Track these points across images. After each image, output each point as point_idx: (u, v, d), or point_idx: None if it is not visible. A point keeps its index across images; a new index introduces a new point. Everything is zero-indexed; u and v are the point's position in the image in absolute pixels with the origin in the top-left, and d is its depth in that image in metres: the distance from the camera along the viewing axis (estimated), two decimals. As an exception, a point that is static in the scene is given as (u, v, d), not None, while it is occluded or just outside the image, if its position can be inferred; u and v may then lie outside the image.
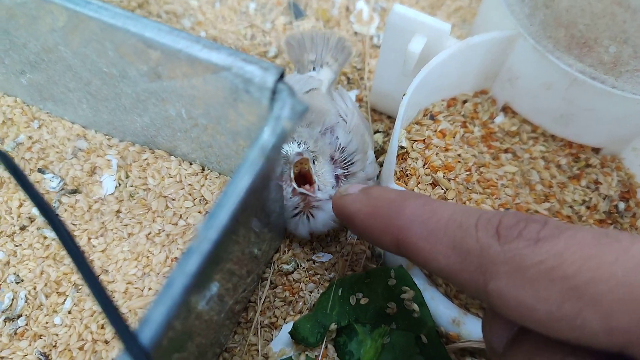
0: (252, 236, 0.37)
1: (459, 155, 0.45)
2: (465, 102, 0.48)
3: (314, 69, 0.47)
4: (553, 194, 0.44)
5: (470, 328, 0.40)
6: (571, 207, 0.44)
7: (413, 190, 0.43)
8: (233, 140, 0.36)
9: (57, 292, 0.41)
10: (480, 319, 0.41)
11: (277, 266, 0.43)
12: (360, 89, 0.54)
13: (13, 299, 0.41)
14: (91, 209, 0.43)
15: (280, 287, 0.43)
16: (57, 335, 0.40)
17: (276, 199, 0.37)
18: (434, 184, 0.43)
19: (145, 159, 0.44)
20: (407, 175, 0.43)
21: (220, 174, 0.43)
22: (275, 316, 0.42)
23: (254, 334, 0.41)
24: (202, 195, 0.42)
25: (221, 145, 0.38)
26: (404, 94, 0.41)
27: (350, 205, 0.32)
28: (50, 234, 0.43)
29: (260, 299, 0.42)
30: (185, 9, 0.58)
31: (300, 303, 0.42)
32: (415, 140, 0.45)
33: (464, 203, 0.43)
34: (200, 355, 0.36)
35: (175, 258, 0.40)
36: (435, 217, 0.27)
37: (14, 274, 0.42)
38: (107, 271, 0.41)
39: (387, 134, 0.52)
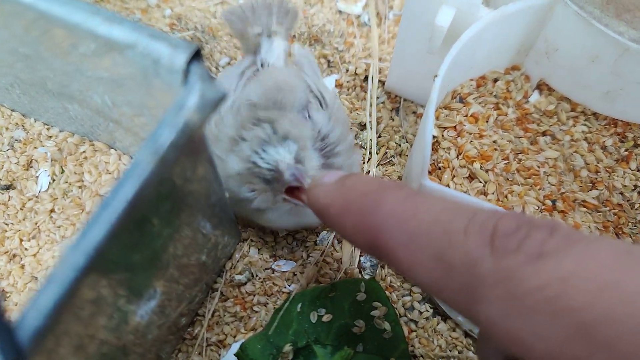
0: (197, 234, 0.32)
1: (494, 141, 0.40)
2: (496, 80, 0.42)
3: (264, 40, 0.41)
4: (601, 179, 0.40)
5: None
6: (622, 193, 0.39)
7: (448, 186, 0.38)
8: (156, 123, 0.31)
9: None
10: None
11: (229, 276, 0.38)
12: (341, 73, 0.48)
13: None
14: (25, 207, 0.38)
15: (232, 300, 0.37)
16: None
17: (215, 192, 0.31)
18: (471, 176, 0.38)
19: (83, 152, 0.39)
20: (439, 169, 0.38)
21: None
22: (224, 333, 0.36)
23: (199, 353, 0.36)
24: (141, 195, 0.37)
25: (145, 125, 0.32)
26: (435, 76, 0.35)
27: (323, 196, 0.25)
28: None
29: (209, 312, 0.37)
30: (153, -16, 0.53)
31: (254, 319, 0.37)
32: (445, 128, 0.40)
33: (506, 197, 0.38)
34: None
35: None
36: (418, 217, 0.21)
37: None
38: (36, 278, 0.36)
39: (417, 120, 0.46)
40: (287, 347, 0.35)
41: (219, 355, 0.36)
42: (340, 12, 0.52)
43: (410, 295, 0.39)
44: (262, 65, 0.38)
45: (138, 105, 0.29)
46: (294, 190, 0.31)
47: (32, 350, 0.18)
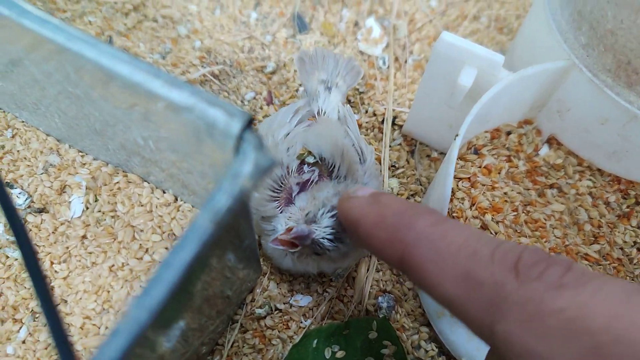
0: (225, 272, 0.34)
1: (505, 193, 0.42)
2: (509, 133, 0.45)
3: (325, 89, 0.44)
4: (603, 234, 0.42)
5: None
6: (622, 249, 0.41)
7: None
8: (202, 179, 0.33)
9: (13, 319, 0.38)
10: None
11: (250, 309, 0.40)
12: (361, 114, 0.50)
13: (-32, 321, 0.38)
14: (57, 231, 0.40)
15: (251, 332, 0.39)
16: (8, 366, 0.37)
17: (248, 234, 0.34)
18: (483, 227, 0.41)
19: (117, 183, 0.41)
20: (453, 217, 0.40)
21: (193, 206, 0.40)
22: (243, 364, 0.38)
23: (218, 382, 0.38)
24: (172, 230, 0.39)
25: (191, 181, 0.35)
26: (457, 135, 0.37)
27: (356, 209, 0.28)
28: (12, 253, 0.40)
29: (228, 343, 0.39)
30: (183, 14, 0.55)
31: (271, 352, 0.39)
32: (460, 179, 0.42)
33: None
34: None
35: (137, 297, 0.37)
36: (447, 239, 0.23)
37: (-29, 293, 0.39)
38: (65, 301, 0.38)
39: (431, 164, 0.49)
40: (303, 382, 0.37)
41: (237, 385, 0.38)
42: (361, 52, 0.54)
43: (418, 334, 0.41)
44: (318, 112, 0.42)
45: (183, 153, 0.31)
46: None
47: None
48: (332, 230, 0.34)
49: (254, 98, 0.50)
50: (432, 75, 0.42)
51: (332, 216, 0.34)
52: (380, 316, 0.41)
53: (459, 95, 0.40)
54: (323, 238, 0.34)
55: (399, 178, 0.47)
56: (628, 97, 0.38)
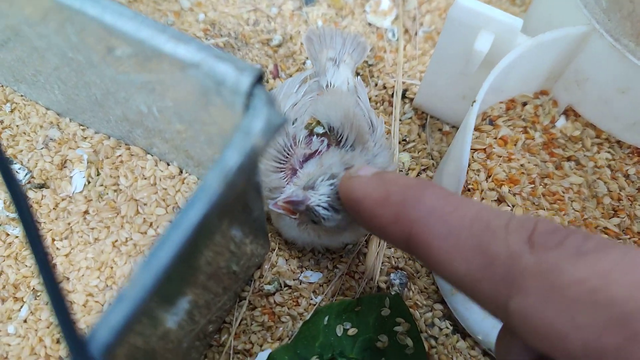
0: (231, 246, 0.33)
1: (522, 165, 0.41)
2: (525, 104, 0.43)
3: (334, 65, 0.44)
4: (622, 207, 0.41)
5: None
6: None
7: None
8: (209, 146, 0.31)
9: (14, 297, 0.37)
10: None
11: (258, 285, 0.38)
12: (370, 87, 0.49)
13: (-32, 300, 0.37)
14: (58, 207, 0.39)
15: (259, 309, 0.38)
16: (9, 345, 0.36)
17: (257, 205, 0.32)
18: (500, 200, 0.39)
19: (119, 156, 0.39)
20: (469, 190, 0.39)
21: (199, 178, 0.38)
22: (251, 342, 0.37)
23: (226, 361, 0.36)
24: (177, 203, 0.37)
25: (197, 151, 0.33)
26: (474, 101, 0.36)
27: (358, 188, 0.27)
28: (12, 231, 0.39)
29: (236, 321, 0.37)
30: (186, -13, 0.53)
31: (281, 329, 0.37)
32: (475, 150, 0.41)
33: None
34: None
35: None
36: (459, 212, 0.22)
37: (-29, 271, 0.38)
38: (68, 278, 0.37)
39: (442, 138, 0.47)
40: (314, 359, 0.36)
41: (246, 363, 0.36)
42: (370, 24, 0.53)
43: (432, 312, 0.40)
44: (327, 85, 0.41)
45: (189, 120, 0.30)
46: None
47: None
48: (327, 199, 0.33)
49: (260, 71, 0.49)
50: (446, 42, 0.40)
51: (331, 184, 0.33)
52: (393, 293, 0.40)
53: (475, 61, 0.38)
54: (318, 205, 0.33)
55: (410, 152, 0.46)
56: (653, 61, 0.37)
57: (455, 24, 0.38)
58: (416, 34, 0.51)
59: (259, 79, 0.24)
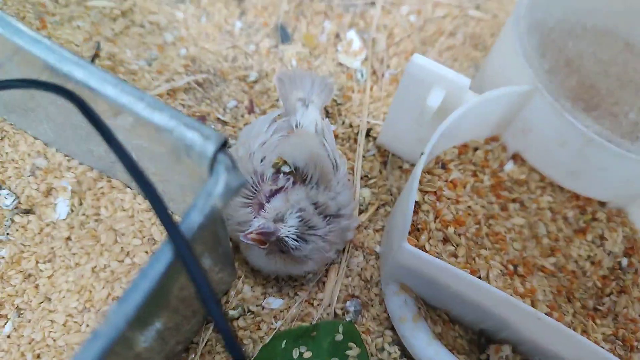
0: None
1: (469, 207, 0.44)
2: (476, 149, 0.47)
3: (303, 105, 0.47)
4: (559, 248, 0.44)
5: None
6: (576, 262, 0.44)
7: (424, 247, 0.42)
8: (181, 191, 0.35)
9: (-1, 314, 0.40)
10: None
11: (224, 310, 0.42)
12: (338, 125, 0.53)
13: (-45, 315, 0.40)
14: (42, 232, 0.42)
15: (224, 332, 0.42)
16: (-7, 359, 0.39)
17: (224, 242, 0.36)
18: (445, 239, 0.43)
19: (101, 188, 0.43)
20: (418, 230, 0.43)
21: (172, 213, 0.42)
22: (216, 362, 0.41)
23: (192, 379, 0.40)
24: (152, 234, 0.41)
25: (170, 190, 0.37)
26: (422, 153, 0.40)
27: None
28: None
29: (203, 341, 0.41)
30: (170, 21, 0.57)
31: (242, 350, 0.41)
32: (426, 192, 0.44)
33: (473, 260, 0.42)
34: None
35: (117, 297, 0.39)
36: None
37: (-41, 289, 0.41)
38: (49, 299, 0.40)
39: (402, 175, 0.51)
40: (271, 379, 0.39)
41: (210, 381, 0.40)
42: (341, 64, 0.57)
43: (382, 337, 0.44)
44: (296, 125, 0.45)
45: (162, 166, 0.33)
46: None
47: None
48: (296, 230, 0.37)
49: (236, 106, 0.52)
50: (404, 94, 0.45)
51: (299, 217, 0.38)
52: (348, 319, 0.44)
53: (427, 114, 0.42)
54: (287, 237, 0.37)
55: (371, 188, 0.50)
56: (585, 121, 0.41)
57: (411, 78, 0.43)
58: (383, 75, 0.56)
59: (223, 145, 0.28)
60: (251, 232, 0.37)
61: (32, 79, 0.31)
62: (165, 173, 0.35)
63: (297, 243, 0.38)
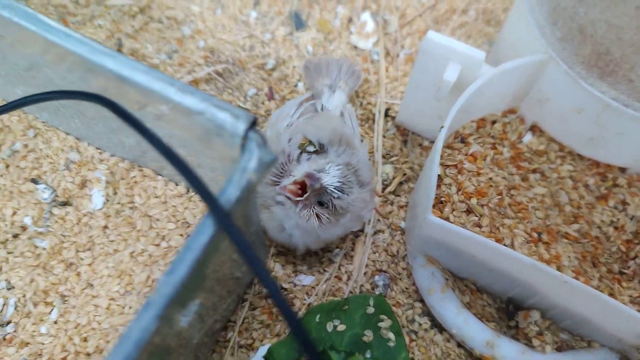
0: (233, 255, 0.38)
1: (490, 178, 0.45)
2: (494, 122, 0.48)
3: (329, 90, 0.49)
4: (582, 214, 0.45)
5: (503, 351, 0.41)
6: (599, 227, 0.45)
7: (448, 218, 0.43)
8: (211, 172, 0.37)
9: (45, 302, 0.42)
10: (513, 341, 0.41)
11: (258, 288, 0.44)
12: (356, 107, 0.54)
13: (4, 305, 0.42)
14: (80, 222, 0.44)
15: (259, 309, 0.43)
16: (42, 344, 0.41)
17: (254, 220, 0.37)
18: (468, 210, 0.44)
19: (133, 177, 0.44)
20: (441, 202, 0.44)
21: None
22: (253, 338, 0.42)
23: (231, 354, 0.42)
24: (185, 218, 0.43)
25: (202, 176, 0.38)
26: (442, 127, 0.41)
27: None
28: (41, 243, 0.44)
29: (240, 319, 0.43)
30: (187, 15, 0.58)
31: (278, 326, 0.43)
32: (447, 166, 0.45)
33: (498, 229, 0.43)
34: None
35: (156, 279, 0.41)
36: None
37: (6, 280, 0.43)
38: (92, 285, 0.42)
39: (422, 152, 0.52)
40: (307, 352, 0.41)
41: (248, 356, 0.42)
42: (355, 47, 0.58)
43: (412, 309, 0.45)
44: (321, 108, 0.46)
45: (193, 150, 0.35)
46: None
47: None
48: (339, 180, 0.39)
49: (256, 94, 0.54)
50: (419, 71, 0.45)
51: (339, 169, 0.39)
52: (377, 293, 0.45)
53: (444, 89, 0.43)
54: (331, 184, 0.38)
55: (393, 164, 0.51)
56: (601, 87, 0.41)
57: (426, 56, 0.43)
58: (397, 55, 0.56)
59: (253, 124, 0.29)
60: (290, 184, 0.38)
61: (72, 90, 0.32)
62: (196, 158, 0.36)
63: (339, 193, 0.39)
